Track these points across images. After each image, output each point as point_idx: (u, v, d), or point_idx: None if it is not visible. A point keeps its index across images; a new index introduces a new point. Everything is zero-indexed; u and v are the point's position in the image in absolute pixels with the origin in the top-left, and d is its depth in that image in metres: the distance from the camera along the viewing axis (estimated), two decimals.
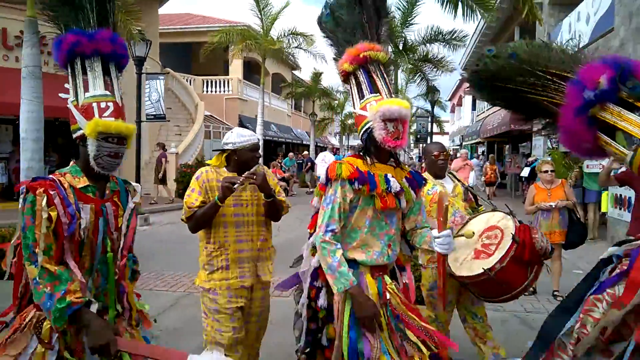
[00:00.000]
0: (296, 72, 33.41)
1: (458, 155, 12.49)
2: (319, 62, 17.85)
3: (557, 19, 13.44)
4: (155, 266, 6.76)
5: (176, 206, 13.10)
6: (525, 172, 13.87)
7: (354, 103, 2.41)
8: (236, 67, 24.07)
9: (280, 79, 30.05)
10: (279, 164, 19.25)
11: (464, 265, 2.78)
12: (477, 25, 19.37)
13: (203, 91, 23.35)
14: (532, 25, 15.43)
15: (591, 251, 7.68)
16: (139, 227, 10.21)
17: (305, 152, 22.61)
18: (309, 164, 14.10)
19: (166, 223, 10.83)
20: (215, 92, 23.69)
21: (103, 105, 1.95)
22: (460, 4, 7.22)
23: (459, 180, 3.42)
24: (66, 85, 2.05)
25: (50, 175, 1.95)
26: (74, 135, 2.01)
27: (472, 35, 20.29)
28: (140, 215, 10.49)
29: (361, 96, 2.37)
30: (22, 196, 1.93)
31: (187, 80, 22.04)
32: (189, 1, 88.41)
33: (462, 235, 2.76)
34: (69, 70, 2.02)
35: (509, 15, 15.90)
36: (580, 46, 2.30)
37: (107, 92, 1.99)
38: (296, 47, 16.48)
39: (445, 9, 7.36)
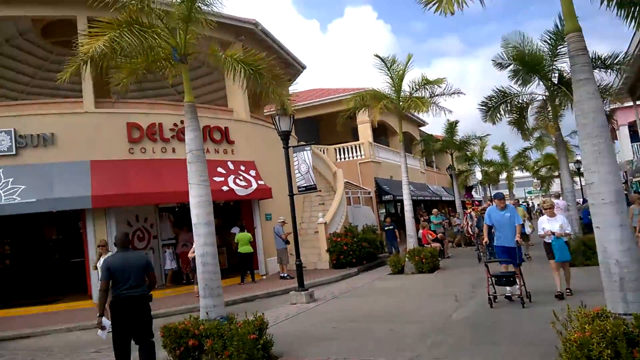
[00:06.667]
0: (422, 128, 32.61)
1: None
2: (452, 103, 16.30)
3: None
4: (335, 354, 5.69)
5: (333, 278, 12.30)
6: None
7: None
8: (365, 132, 23.92)
9: (408, 137, 29.25)
10: (427, 224, 17.74)
11: None
12: None
13: (336, 159, 23.48)
14: None
15: None
16: (302, 304, 9.31)
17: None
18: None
19: (331, 299, 9.89)
20: (348, 158, 23.71)
21: None
22: None
23: None
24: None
25: None
26: None
27: None
28: (304, 291, 9.63)
29: None
30: None
31: (321, 151, 22.33)
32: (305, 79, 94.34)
33: None
34: None
35: None
36: None
37: None
38: (435, 96, 15.35)
39: None
